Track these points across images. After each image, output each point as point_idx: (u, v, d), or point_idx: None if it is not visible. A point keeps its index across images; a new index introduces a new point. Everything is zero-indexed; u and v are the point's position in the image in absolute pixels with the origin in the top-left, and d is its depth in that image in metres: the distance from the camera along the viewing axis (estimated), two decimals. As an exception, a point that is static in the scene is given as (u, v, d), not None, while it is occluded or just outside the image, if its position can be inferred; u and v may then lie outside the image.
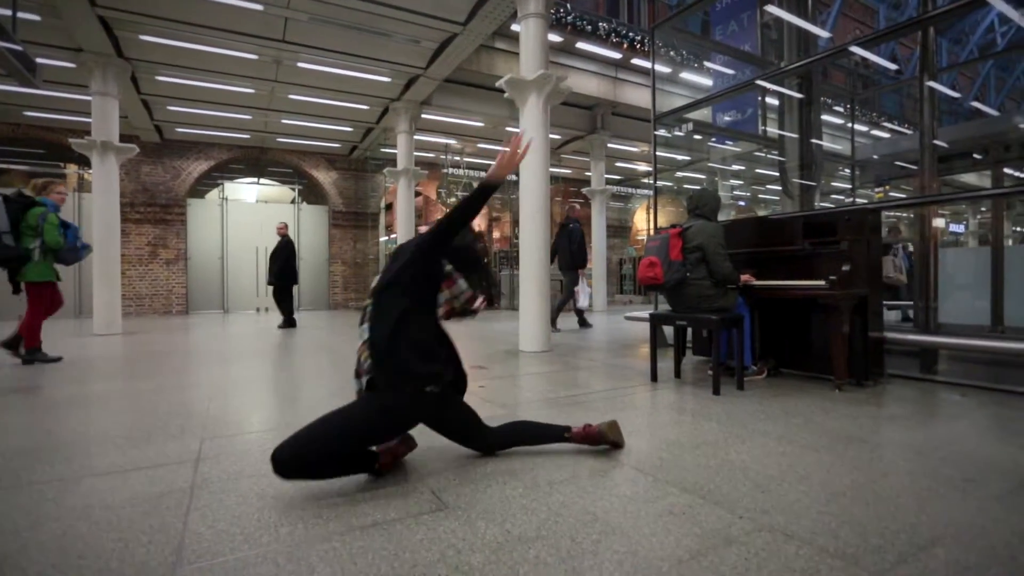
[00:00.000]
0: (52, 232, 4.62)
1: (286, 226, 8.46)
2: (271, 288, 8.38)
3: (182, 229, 12.27)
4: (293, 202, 14.02)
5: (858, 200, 7.55)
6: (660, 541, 1.46)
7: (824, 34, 5.88)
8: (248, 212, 13.17)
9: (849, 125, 8.30)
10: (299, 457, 1.72)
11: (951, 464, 2.07)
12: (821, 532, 1.51)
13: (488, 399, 3.24)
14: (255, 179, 14.11)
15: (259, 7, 6.61)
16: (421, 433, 2.07)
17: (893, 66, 6.96)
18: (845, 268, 3.30)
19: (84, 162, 11.54)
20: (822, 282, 3.37)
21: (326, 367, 4.70)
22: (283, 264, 8.16)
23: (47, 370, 4.43)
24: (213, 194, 13.41)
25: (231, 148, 12.85)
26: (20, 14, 5.74)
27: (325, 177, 13.99)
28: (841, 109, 8.59)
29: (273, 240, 8.50)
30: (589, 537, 1.49)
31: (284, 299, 8.24)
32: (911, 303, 4.56)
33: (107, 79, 7.69)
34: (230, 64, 8.27)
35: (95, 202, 7.73)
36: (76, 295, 11.25)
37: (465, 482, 1.91)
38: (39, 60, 5.46)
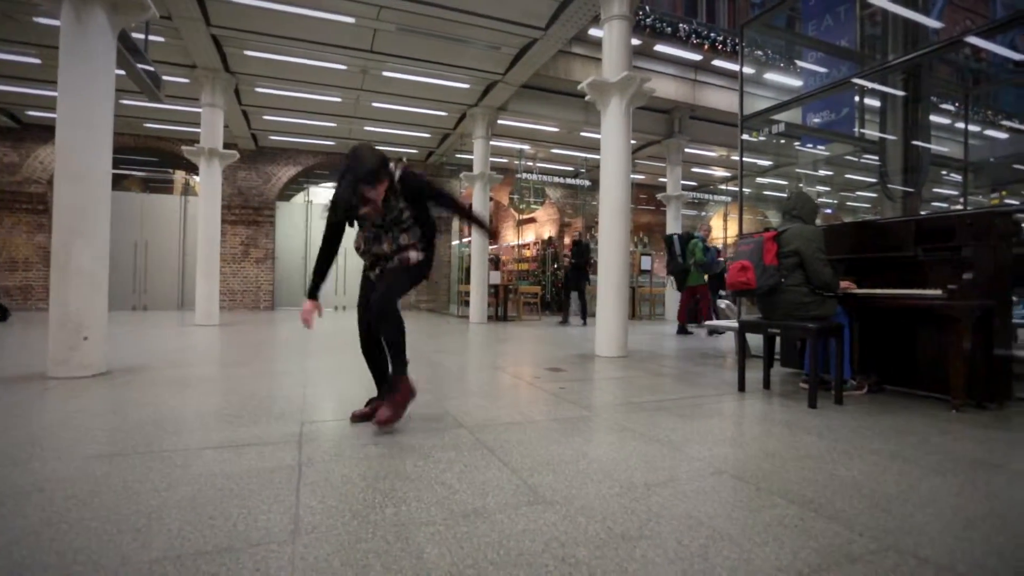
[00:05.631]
0: (699, 254, 7.64)
1: None
2: None
3: (271, 230, 13.10)
4: (371, 206, 14.61)
5: (969, 207, 6.88)
6: (774, 552, 1.38)
7: (935, 24, 5.43)
8: (330, 215, 13.93)
9: (958, 125, 7.59)
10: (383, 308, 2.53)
11: (1110, 497, 1.82)
12: (963, 560, 1.36)
13: (570, 400, 3.21)
14: (337, 183, 14.92)
15: (351, 20, 6.97)
16: (517, 435, 2.05)
17: (1018, 56, 6.29)
18: (967, 276, 3.00)
19: (190, 169, 12.65)
20: (939, 291, 3.09)
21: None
22: None
23: (182, 352, 4.86)
24: (299, 197, 14.27)
25: (316, 154, 13.59)
26: (151, 37, 6.40)
27: (402, 182, 14.48)
28: (950, 107, 7.86)
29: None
30: (696, 541, 1.43)
31: None
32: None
33: (215, 92, 8.39)
34: (322, 75, 8.77)
35: (201, 204, 8.43)
36: (180, 289, 12.32)
37: (559, 478, 1.89)
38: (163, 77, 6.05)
